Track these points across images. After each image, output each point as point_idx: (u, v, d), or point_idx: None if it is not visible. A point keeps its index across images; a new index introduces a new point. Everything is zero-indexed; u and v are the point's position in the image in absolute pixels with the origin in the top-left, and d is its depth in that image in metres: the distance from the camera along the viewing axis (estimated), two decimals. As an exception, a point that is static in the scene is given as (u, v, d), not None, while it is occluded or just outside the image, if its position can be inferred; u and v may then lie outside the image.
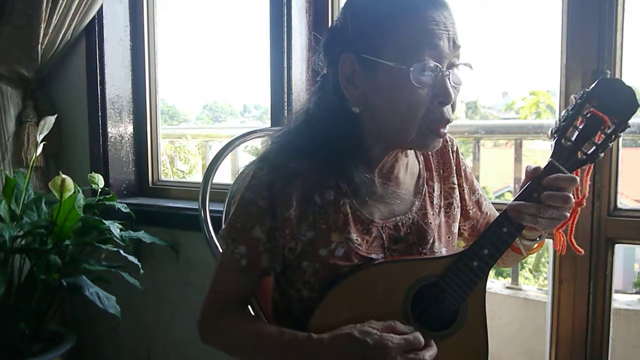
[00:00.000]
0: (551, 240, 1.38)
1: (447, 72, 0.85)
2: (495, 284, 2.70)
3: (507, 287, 2.60)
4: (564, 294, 1.37)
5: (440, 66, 0.84)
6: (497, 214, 1.14)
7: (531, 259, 4.33)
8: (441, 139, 0.90)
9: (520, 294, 2.54)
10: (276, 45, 1.70)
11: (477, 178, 2.55)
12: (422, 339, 0.83)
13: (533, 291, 2.60)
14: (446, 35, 0.84)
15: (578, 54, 1.31)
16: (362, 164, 0.92)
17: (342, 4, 1.75)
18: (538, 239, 0.99)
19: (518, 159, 2.46)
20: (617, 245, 1.34)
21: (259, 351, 0.92)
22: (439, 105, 0.86)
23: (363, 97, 0.89)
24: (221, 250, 1.20)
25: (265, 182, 0.91)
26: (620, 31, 1.29)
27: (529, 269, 4.40)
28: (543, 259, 4.19)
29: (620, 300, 2.48)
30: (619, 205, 1.34)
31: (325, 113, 0.92)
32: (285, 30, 1.69)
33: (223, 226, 0.98)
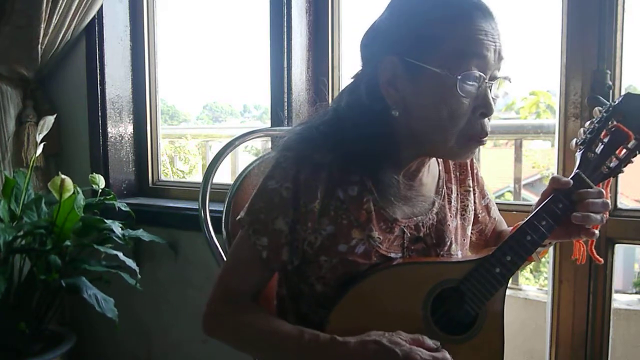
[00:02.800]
0: (551, 240, 1.38)
1: (490, 84, 0.84)
2: (495, 284, 2.69)
3: (507, 287, 2.59)
4: (564, 294, 1.37)
5: (484, 77, 0.83)
6: (503, 220, 1.15)
7: (531, 259, 4.32)
8: (477, 148, 0.90)
9: (520, 294, 2.54)
10: (276, 45, 1.70)
11: (477, 178, 2.53)
12: (449, 358, 0.82)
13: (533, 291, 2.59)
14: (493, 46, 0.83)
15: (578, 54, 1.31)
16: (390, 165, 0.91)
17: (342, 4, 1.75)
18: (548, 245, 1.00)
19: (518, 159, 2.46)
20: (617, 245, 1.34)
21: (275, 349, 0.89)
22: (480, 116, 0.85)
23: (402, 101, 0.87)
24: (221, 249, 1.21)
25: (289, 172, 0.89)
26: (620, 31, 1.29)
27: (529, 269, 4.39)
28: (543, 259, 4.19)
29: (620, 300, 2.47)
30: (619, 205, 1.34)
31: (355, 112, 0.90)
32: (285, 30, 1.69)
33: (242, 214, 0.94)
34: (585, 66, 1.30)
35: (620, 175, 1.31)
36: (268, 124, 1.78)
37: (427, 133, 0.87)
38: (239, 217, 0.95)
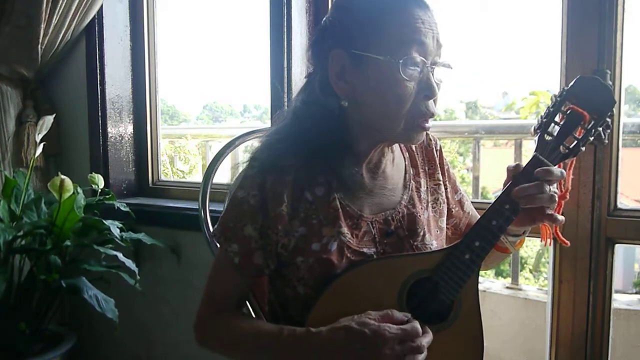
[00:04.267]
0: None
1: (432, 68, 0.89)
2: (495, 284, 2.69)
3: (507, 287, 2.59)
4: (564, 294, 1.37)
5: (426, 61, 0.88)
6: (477, 214, 1.17)
7: (531, 259, 4.32)
8: (424, 133, 0.94)
9: (520, 294, 2.54)
10: (276, 45, 1.70)
11: (477, 178, 2.54)
12: (419, 328, 0.84)
13: (533, 291, 2.59)
14: (431, 33, 0.88)
15: (578, 54, 1.31)
16: (349, 158, 0.94)
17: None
18: (522, 234, 1.03)
19: (518, 159, 2.46)
20: (617, 245, 1.34)
21: (259, 350, 0.92)
22: (424, 98, 0.90)
23: (352, 91, 0.91)
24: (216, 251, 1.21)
25: (256, 180, 0.93)
26: (620, 31, 1.29)
27: (529, 269, 4.39)
28: (543, 259, 4.18)
29: (620, 300, 2.47)
30: (619, 205, 1.34)
31: (312, 110, 0.94)
32: (285, 30, 1.69)
33: (215, 226, 0.98)
34: (585, 66, 1.30)
35: (620, 175, 1.33)
36: (268, 124, 1.78)
37: (377, 119, 0.91)
38: (213, 230, 1.00)
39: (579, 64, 1.31)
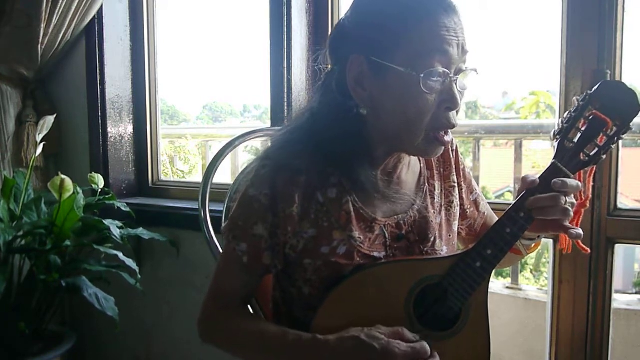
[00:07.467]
0: (551, 241, 1.38)
1: (455, 78, 0.85)
2: (495, 284, 2.70)
3: (507, 287, 2.60)
4: (564, 294, 1.37)
5: (448, 72, 0.84)
6: (494, 214, 1.16)
7: (531, 259, 4.32)
8: (443, 147, 0.91)
9: (520, 294, 2.54)
10: (276, 45, 1.70)
11: (477, 178, 2.55)
12: (428, 349, 0.83)
13: (533, 291, 2.59)
14: (456, 41, 0.84)
15: (578, 54, 1.31)
16: (366, 163, 0.92)
17: (342, 4, 1.75)
18: (537, 238, 1.00)
19: (518, 159, 2.46)
20: (617, 245, 1.34)
21: (262, 351, 0.91)
22: (446, 110, 0.86)
23: (370, 99, 0.88)
24: (221, 249, 1.21)
25: (267, 179, 0.91)
26: (620, 31, 1.29)
27: (530, 269, 4.40)
28: (543, 259, 4.19)
29: (620, 300, 2.48)
30: (619, 205, 1.34)
31: (329, 111, 0.92)
32: (285, 30, 1.69)
33: (224, 223, 0.97)
34: (585, 66, 1.30)
35: (620, 175, 1.33)
36: (268, 124, 1.78)
37: (395, 130, 0.88)
38: (222, 227, 0.97)
39: (579, 64, 1.31)
